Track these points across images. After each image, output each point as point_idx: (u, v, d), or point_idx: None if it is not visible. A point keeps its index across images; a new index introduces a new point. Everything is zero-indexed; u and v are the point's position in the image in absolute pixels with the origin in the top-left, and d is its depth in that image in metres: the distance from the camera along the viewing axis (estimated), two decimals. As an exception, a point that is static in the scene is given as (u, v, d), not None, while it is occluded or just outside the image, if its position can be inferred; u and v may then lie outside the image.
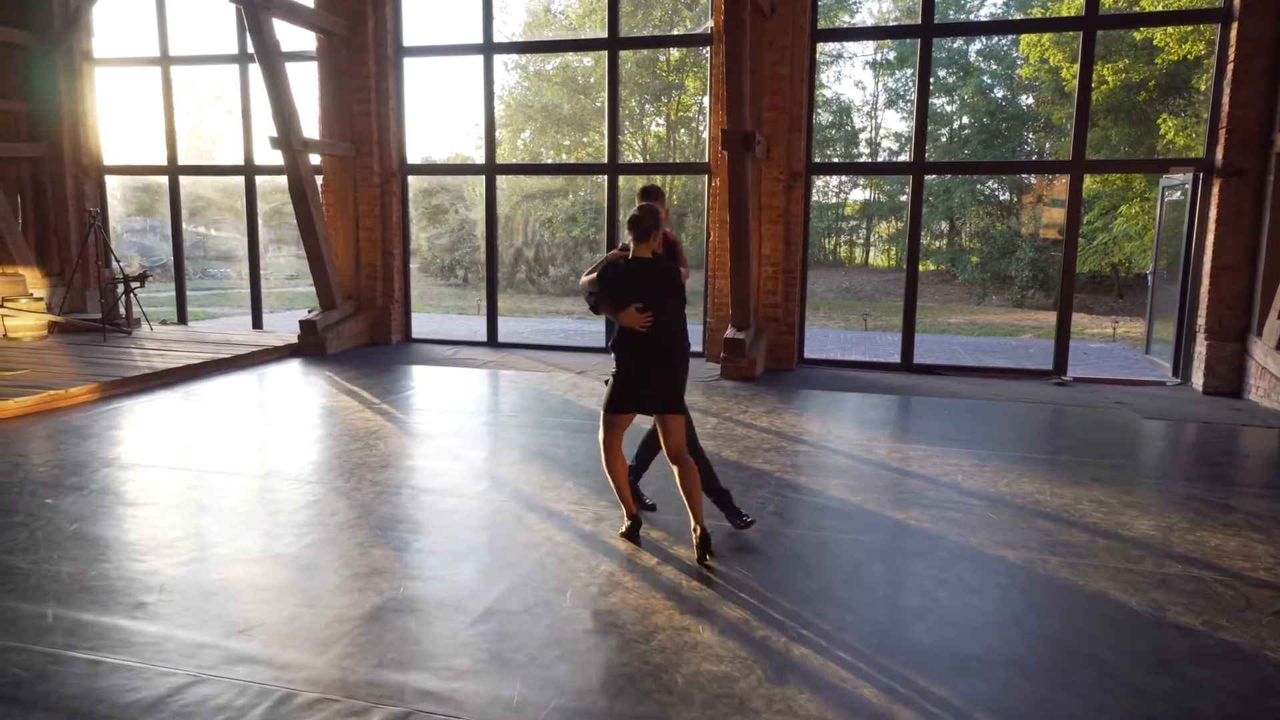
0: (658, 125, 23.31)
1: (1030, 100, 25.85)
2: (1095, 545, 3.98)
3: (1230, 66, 7.57)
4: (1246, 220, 7.66)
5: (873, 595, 3.45)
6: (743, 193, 7.78)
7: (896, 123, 29.76)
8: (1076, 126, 8.36)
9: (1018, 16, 23.65)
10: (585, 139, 23.59)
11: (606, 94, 9.61)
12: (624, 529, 3.96)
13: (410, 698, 2.62)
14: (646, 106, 21.82)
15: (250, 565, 3.65)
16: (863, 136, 30.12)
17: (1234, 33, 7.53)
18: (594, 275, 3.82)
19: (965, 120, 28.01)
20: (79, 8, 10.72)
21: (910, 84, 29.03)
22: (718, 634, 3.07)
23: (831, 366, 9.17)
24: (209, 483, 4.79)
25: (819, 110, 29.35)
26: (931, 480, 5.01)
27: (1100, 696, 2.70)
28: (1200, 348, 7.94)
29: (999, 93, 27.24)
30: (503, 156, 25.93)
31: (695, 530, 3.72)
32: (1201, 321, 7.95)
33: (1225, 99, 7.65)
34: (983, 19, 26.22)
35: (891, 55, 27.83)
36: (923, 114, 8.75)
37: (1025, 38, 18.11)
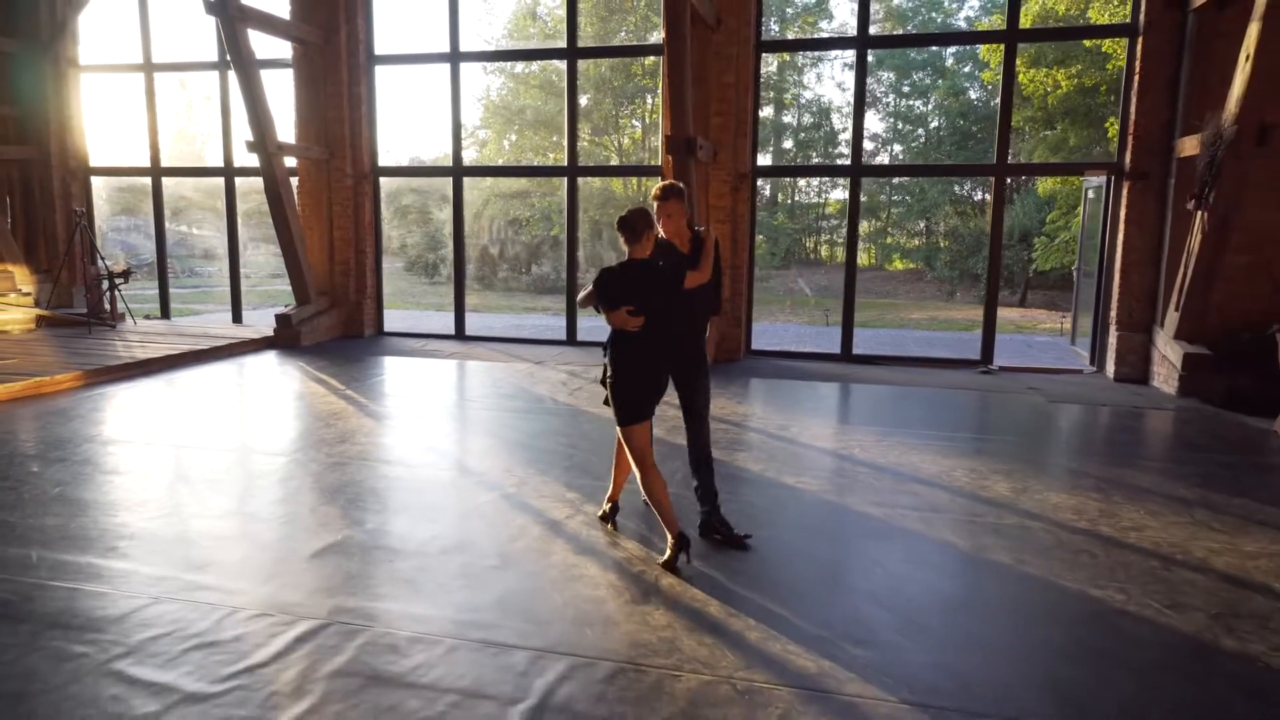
0: (634, 127, 23.89)
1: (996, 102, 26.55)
2: (953, 504, 4.56)
3: (1136, 78, 8.18)
4: (1151, 220, 8.27)
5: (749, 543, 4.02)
6: (688, 193, 8.33)
7: (875, 123, 30.49)
8: (1000, 132, 8.96)
9: (993, 25, 24.32)
10: (559, 141, 24.12)
11: (566, 100, 10.16)
12: (665, 557, 3.64)
13: (332, 613, 3.18)
14: (622, 109, 22.37)
15: (212, 520, 4.20)
16: (843, 137, 30.82)
17: (1139, 46, 8.13)
18: (588, 290, 3.82)
19: (940, 122, 28.74)
20: (66, 16, 11.23)
21: (889, 86, 29.77)
22: (601, 569, 3.64)
23: (777, 357, 9.75)
24: (182, 455, 5.33)
25: (802, 112, 30.11)
26: (831, 453, 5.59)
27: (909, 607, 3.28)
28: (1112, 338, 8.55)
29: (974, 94, 27.94)
30: (488, 158, 26.48)
31: (608, 502, 4.17)
32: (1114, 314, 8.55)
33: (1133, 107, 8.26)
34: (961, 25, 26.81)
35: (870, 57, 28.50)
36: (859, 120, 9.35)
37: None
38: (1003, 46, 9.11)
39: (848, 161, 29.33)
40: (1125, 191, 8.35)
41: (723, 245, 9.32)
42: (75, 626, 3.06)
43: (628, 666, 2.83)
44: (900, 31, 27.25)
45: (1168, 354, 7.83)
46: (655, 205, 4.00)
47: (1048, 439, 6.27)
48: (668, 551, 3.65)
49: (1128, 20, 8.51)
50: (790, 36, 26.18)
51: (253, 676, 2.74)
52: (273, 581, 3.47)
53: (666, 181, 4.11)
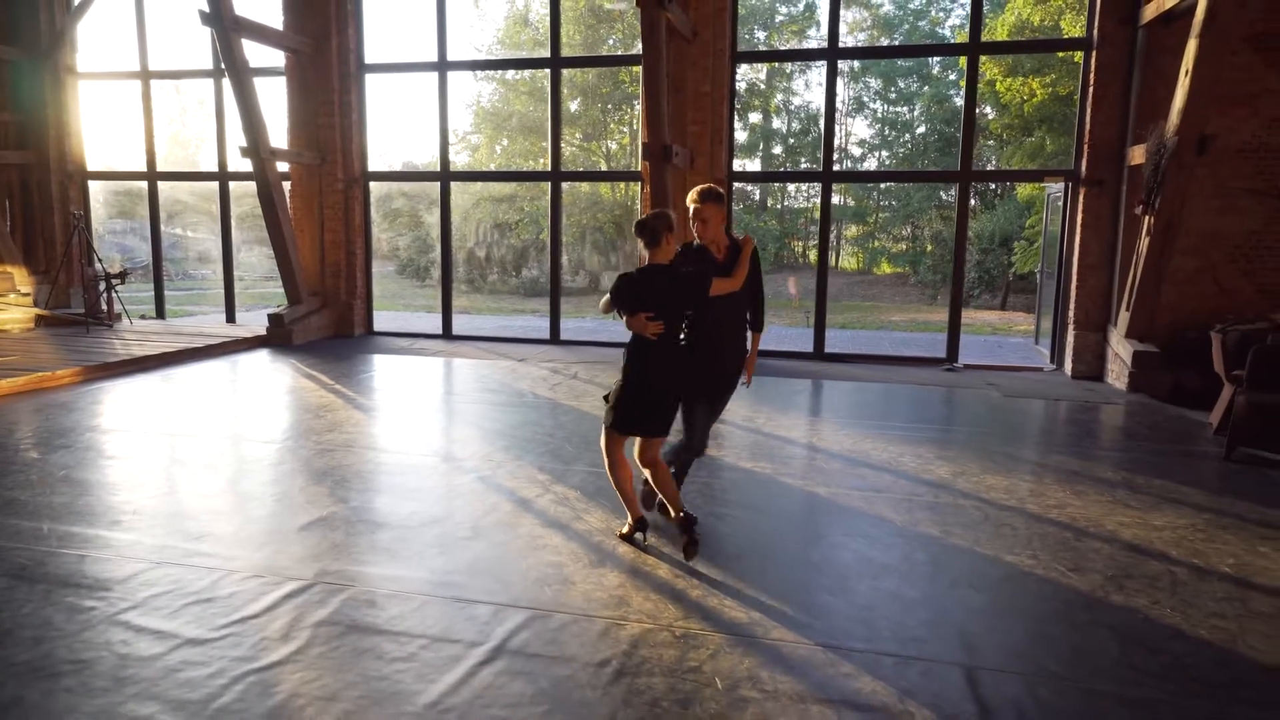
0: (622, 133, 24.30)
1: (990, 110, 27.09)
2: (895, 485, 4.93)
3: (1091, 90, 8.60)
4: (1106, 224, 8.68)
5: (702, 518, 4.36)
6: (663, 198, 8.71)
7: (863, 129, 31.05)
8: (964, 140, 9.37)
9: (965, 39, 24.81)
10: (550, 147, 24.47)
11: (550, 107, 10.54)
12: (624, 529, 3.95)
13: (317, 575, 3.53)
14: (610, 116, 22.78)
15: (208, 499, 4.54)
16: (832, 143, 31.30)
17: (1093, 60, 8.55)
18: (607, 297, 3.76)
19: (925, 128, 29.24)
20: (65, 26, 11.56)
21: (876, 93, 30.30)
22: (564, 540, 4.00)
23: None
24: (179, 443, 5.67)
25: (792, 118, 30.61)
26: (790, 441, 5.96)
27: (840, 572, 3.64)
28: (1070, 337, 8.95)
29: (959, 101, 28.45)
30: (480, 162, 26.82)
31: (677, 516, 3.77)
32: (1072, 314, 8.95)
33: (1088, 117, 8.67)
34: (947, 34, 27.30)
35: (855, 65, 29.00)
36: (830, 127, 9.76)
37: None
38: (982, 56, 9.49)
39: (834, 167, 29.92)
40: (1082, 197, 8.75)
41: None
42: (85, 586, 3.40)
43: (580, 617, 3.19)
44: (887, 39, 27.83)
45: (1120, 352, 8.23)
46: (691, 209, 3.88)
47: (995, 429, 6.64)
48: (625, 526, 3.97)
49: (1082, 35, 8.92)
50: (778, 47, 26.67)
51: (245, 625, 3.09)
52: (264, 549, 3.82)
53: (705, 185, 3.92)
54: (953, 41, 24.77)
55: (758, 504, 4.59)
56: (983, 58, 19.33)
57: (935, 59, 28.27)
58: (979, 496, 4.72)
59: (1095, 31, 8.51)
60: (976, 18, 9.28)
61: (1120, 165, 8.51)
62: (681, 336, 3.70)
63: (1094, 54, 8.53)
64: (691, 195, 3.87)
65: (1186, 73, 7.09)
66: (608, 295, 3.74)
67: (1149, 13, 7.94)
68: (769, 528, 4.24)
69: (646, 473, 3.85)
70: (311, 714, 2.54)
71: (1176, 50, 7.68)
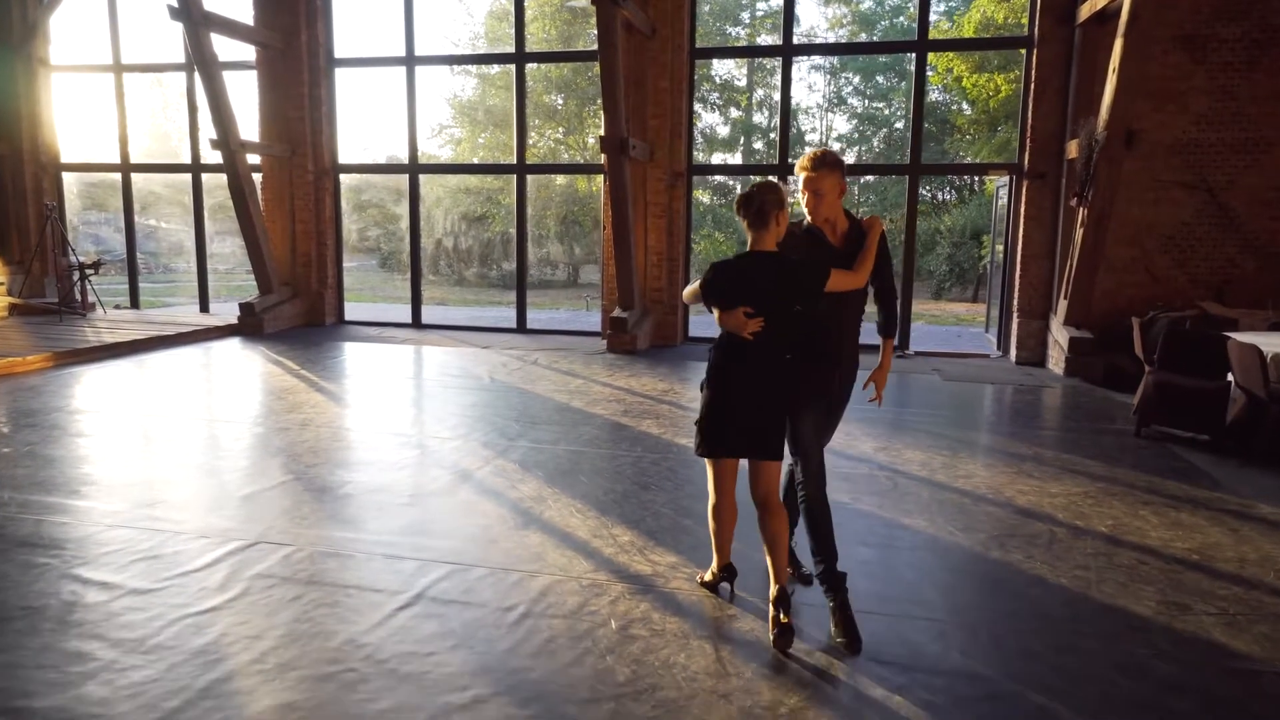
0: (599, 125, 24.58)
1: (966, 106, 27.50)
2: (818, 458, 5.22)
3: (1033, 86, 8.93)
4: (1047, 216, 9.02)
5: (628, 487, 4.67)
6: (622, 190, 8.99)
7: (842, 124, 31.42)
8: (913, 135, 9.70)
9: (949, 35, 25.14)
10: (529, 140, 24.67)
11: (515, 101, 10.79)
12: (706, 575, 3.35)
13: (260, 535, 3.80)
14: (585, 109, 23.01)
15: (166, 470, 4.79)
16: (811, 137, 31.68)
17: (1034, 57, 8.88)
18: (695, 286, 3.16)
19: (902, 124, 29.66)
20: (37, 19, 11.69)
21: (854, 88, 30.68)
22: (496, 506, 4.28)
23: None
24: (144, 422, 5.90)
25: (772, 114, 30.97)
26: (729, 421, 6.25)
27: (746, 531, 3.94)
28: (1015, 325, 9.30)
29: (935, 96, 28.85)
30: (463, 155, 27.03)
31: (772, 589, 3.00)
32: (1016, 302, 9.30)
33: (1030, 113, 9.00)
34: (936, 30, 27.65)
35: (835, 60, 29.33)
36: (785, 121, 10.05)
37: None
38: (950, 54, 9.76)
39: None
40: (1025, 190, 9.09)
41: (660, 239, 9.98)
42: (41, 545, 3.66)
43: (497, 570, 3.47)
44: (867, 35, 28.19)
45: (1058, 338, 8.58)
46: (800, 179, 3.08)
47: (929, 411, 6.97)
48: (709, 572, 3.34)
49: (1024, 34, 9.26)
50: (758, 42, 26.97)
51: (187, 578, 3.36)
52: (213, 514, 4.08)
53: (819, 149, 3.11)
54: (887, 40, 25.21)
55: (682, 475, 4.88)
56: (950, 55, 19.76)
57: (910, 55, 28.68)
58: (894, 468, 5.04)
59: (1036, 30, 8.85)
60: (924, 16, 9.59)
61: (1060, 159, 8.85)
62: (785, 339, 3.04)
63: (1035, 52, 8.87)
64: (802, 161, 3.06)
65: (1114, 70, 7.42)
66: (695, 283, 3.17)
67: (1084, 12, 8.26)
68: (687, 496, 4.53)
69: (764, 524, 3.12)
70: (237, 650, 2.81)
71: (1110, 48, 8.02)
